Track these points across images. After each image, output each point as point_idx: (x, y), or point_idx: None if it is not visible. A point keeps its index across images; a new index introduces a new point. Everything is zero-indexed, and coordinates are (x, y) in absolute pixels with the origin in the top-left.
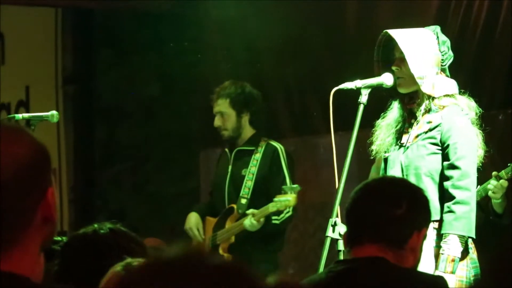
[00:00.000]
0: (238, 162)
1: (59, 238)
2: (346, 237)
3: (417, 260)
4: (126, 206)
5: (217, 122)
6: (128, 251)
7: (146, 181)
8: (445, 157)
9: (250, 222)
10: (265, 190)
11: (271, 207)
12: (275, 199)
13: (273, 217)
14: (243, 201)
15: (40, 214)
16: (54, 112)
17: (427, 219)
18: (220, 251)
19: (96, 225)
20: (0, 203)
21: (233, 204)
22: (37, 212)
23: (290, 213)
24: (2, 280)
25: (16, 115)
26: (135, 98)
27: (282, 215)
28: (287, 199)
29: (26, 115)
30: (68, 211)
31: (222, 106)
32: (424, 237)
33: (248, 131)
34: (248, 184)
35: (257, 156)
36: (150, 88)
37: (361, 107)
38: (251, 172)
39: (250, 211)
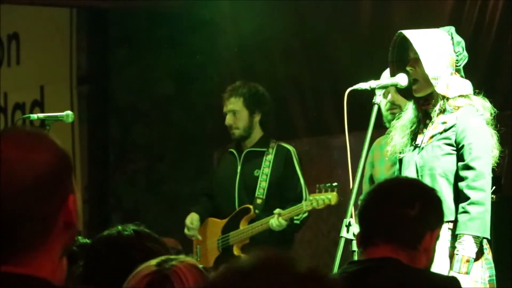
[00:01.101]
0: (249, 163)
1: (76, 238)
2: (359, 238)
3: (430, 261)
4: (141, 206)
5: (229, 120)
6: (152, 252)
7: (160, 181)
8: (460, 157)
9: (278, 221)
10: (279, 191)
11: (306, 206)
12: (310, 197)
13: (295, 218)
14: (259, 201)
15: (61, 219)
16: (69, 112)
17: (440, 220)
18: (235, 252)
19: (120, 227)
20: (21, 210)
21: (245, 204)
22: (59, 218)
23: (306, 214)
24: (25, 283)
25: (31, 115)
26: (149, 97)
27: (300, 216)
28: (327, 197)
29: (41, 115)
30: (82, 211)
31: (236, 104)
32: (437, 237)
33: (257, 132)
34: (262, 184)
35: (269, 157)
36: (164, 87)
37: (376, 108)
38: (264, 173)
39: (277, 210)
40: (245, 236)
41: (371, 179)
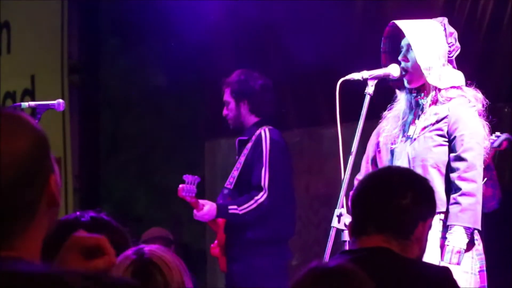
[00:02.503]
0: (238, 153)
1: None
2: (351, 227)
3: (422, 251)
4: (131, 196)
5: (224, 111)
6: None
7: (151, 171)
8: (451, 149)
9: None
10: (248, 178)
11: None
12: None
13: (230, 207)
14: (225, 191)
15: (44, 201)
16: (61, 100)
17: (432, 209)
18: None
19: (78, 213)
20: (3, 201)
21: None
22: (42, 200)
23: (260, 201)
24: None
25: (22, 103)
26: (141, 87)
27: (244, 205)
28: None
29: (32, 103)
30: (73, 200)
31: (225, 95)
32: (429, 227)
33: (251, 120)
34: (234, 174)
35: (249, 145)
36: (156, 77)
37: (368, 98)
38: (240, 162)
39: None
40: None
41: (374, 160)
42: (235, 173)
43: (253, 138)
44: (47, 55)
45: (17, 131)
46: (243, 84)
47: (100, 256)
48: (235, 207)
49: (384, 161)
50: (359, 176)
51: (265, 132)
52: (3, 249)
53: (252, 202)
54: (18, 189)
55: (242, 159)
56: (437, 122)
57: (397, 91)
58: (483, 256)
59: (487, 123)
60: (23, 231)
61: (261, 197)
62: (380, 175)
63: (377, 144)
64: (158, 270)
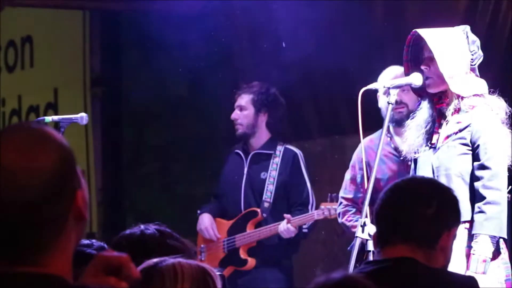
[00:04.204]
0: (255, 166)
1: (87, 242)
2: (376, 238)
3: (447, 260)
4: (154, 207)
5: (234, 114)
6: (175, 249)
7: (174, 182)
8: (475, 157)
9: (286, 227)
10: (285, 194)
11: (317, 215)
12: (322, 207)
13: (303, 227)
14: (266, 205)
15: (72, 217)
16: (84, 114)
17: (457, 219)
18: (242, 254)
19: (142, 226)
20: (31, 217)
21: (252, 207)
22: (69, 216)
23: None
24: (40, 281)
25: (45, 117)
26: (162, 99)
27: (308, 223)
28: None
29: (55, 117)
30: (97, 213)
31: (243, 100)
32: (454, 236)
33: (263, 134)
34: (270, 188)
35: (276, 160)
36: (177, 89)
37: (390, 107)
38: (271, 176)
39: (287, 216)
40: (252, 239)
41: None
42: (270, 187)
43: (278, 153)
44: (70, 68)
45: (44, 146)
46: (268, 96)
47: (120, 274)
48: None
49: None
50: (343, 193)
51: (294, 151)
52: (32, 264)
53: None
54: (46, 205)
55: (273, 173)
56: (460, 130)
57: (420, 99)
58: (509, 264)
59: (510, 131)
60: (52, 247)
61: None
62: (404, 184)
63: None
64: (162, 279)
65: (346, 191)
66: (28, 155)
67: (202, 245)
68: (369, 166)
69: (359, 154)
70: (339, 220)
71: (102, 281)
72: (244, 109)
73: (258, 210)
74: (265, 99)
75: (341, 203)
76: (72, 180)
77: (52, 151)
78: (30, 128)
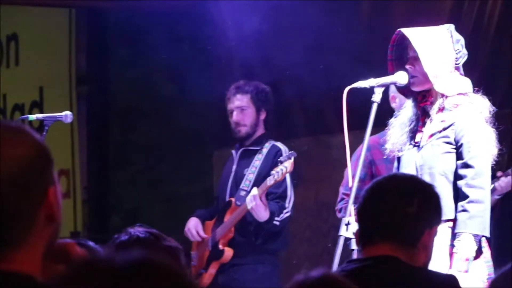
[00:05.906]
0: (242, 162)
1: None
2: (358, 236)
3: (428, 258)
4: (140, 206)
5: (237, 117)
6: (172, 249)
7: (160, 181)
8: (459, 156)
9: (249, 197)
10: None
11: (269, 180)
12: (272, 172)
13: (275, 218)
14: (242, 193)
15: (42, 214)
16: (68, 112)
17: (438, 216)
18: (220, 246)
19: (130, 230)
20: (0, 206)
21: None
22: (39, 212)
23: (289, 213)
24: (6, 279)
25: (30, 116)
26: (149, 97)
27: (281, 215)
28: (284, 166)
29: (40, 116)
30: (82, 212)
31: (243, 101)
32: (435, 234)
33: (260, 131)
34: (250, 177)
35: (260, 156)
36: (165, 87)
37: (375, 106)
38: (254, 166)
39: (254, 189)
40: (228, 227)
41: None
42: (250, 176)
43: (264, 149)
44: (55, 66)
45: (19, 140)
46: (265, 94)
47: (69, 260)
48: (276, 218)
49: (388, 169)
50: (342, 188)
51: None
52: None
53: (284, 212)
54: (15, 194)
55: (256, 163)
56: (444, 129)
57: (404, 98)
58: (491, 263)
59: (494, 129)
60: (20, 242)
61: (289, 210)
62: (385, 182)
63: (373, 158)
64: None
65: (347, 187)
66: (4, 142)
67: (192, 252)
68: (374, 165)
69: (361, 151)
70: (339, 215)
71: (55, 271)
72: (245, 110)
73: (232, 199)
74: (264, 96)
75: (342, 198)
76: (43, 176)
77: (27, 144)
78: (8, 123)
